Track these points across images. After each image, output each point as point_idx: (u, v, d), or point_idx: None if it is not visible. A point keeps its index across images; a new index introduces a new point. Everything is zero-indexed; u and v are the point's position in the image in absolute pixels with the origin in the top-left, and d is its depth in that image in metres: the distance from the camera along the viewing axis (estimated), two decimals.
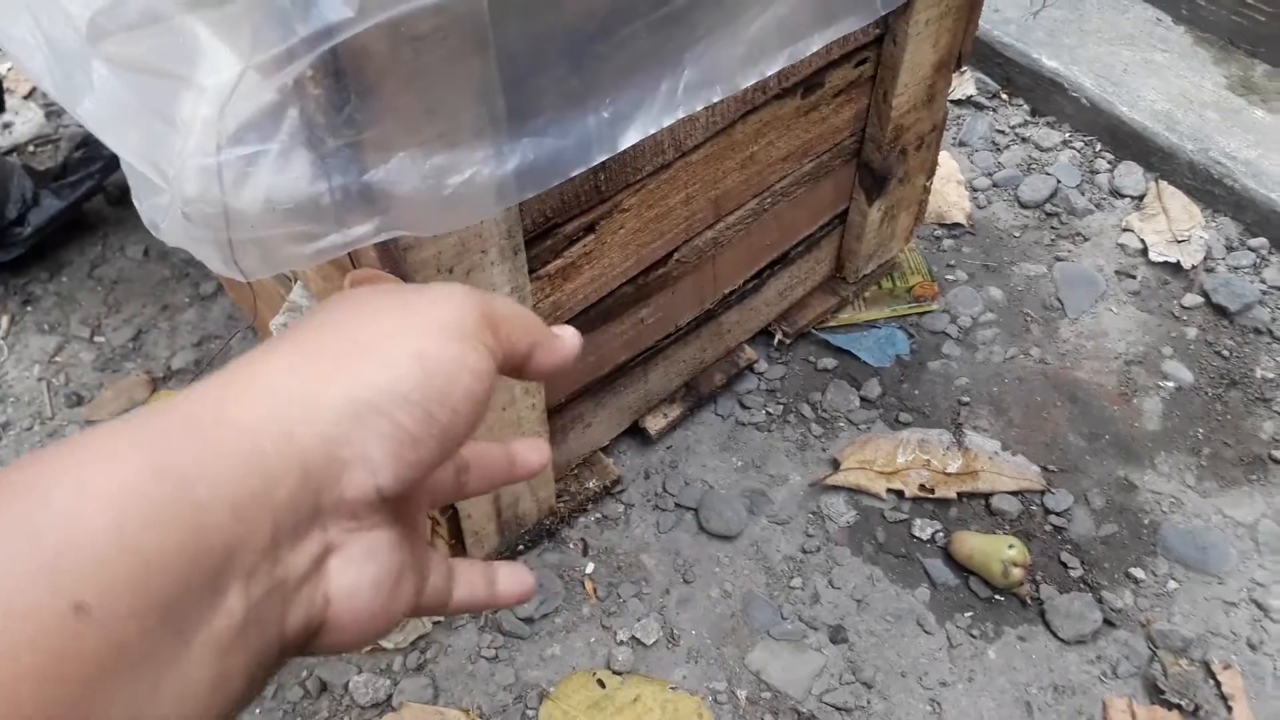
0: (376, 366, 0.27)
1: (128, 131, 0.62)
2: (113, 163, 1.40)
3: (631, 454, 1.15)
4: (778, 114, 0.99)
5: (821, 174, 1.12)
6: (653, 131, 0.74)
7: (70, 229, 1.40)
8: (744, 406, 1.19)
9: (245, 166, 0.58)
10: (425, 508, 0.34)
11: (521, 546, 1.07)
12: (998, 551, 1.01)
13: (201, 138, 0.56)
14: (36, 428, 1.20)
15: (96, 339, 1.30)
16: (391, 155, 0.60)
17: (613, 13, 0.67)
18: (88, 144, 1.42)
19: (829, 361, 1.22)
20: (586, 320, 0.97)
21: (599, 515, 1.10)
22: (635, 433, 1.15)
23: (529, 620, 1.02)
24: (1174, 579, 1.03)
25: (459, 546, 1.01)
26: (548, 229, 0.85)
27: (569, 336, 0.34)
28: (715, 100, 0.77)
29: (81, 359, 1.28)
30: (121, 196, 1.45)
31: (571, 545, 1.08)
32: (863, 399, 1.19)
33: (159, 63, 0.57)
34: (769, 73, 0.79)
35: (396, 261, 0.72)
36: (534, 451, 0.38)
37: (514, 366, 0.32)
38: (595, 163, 0.73)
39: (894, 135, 1.11)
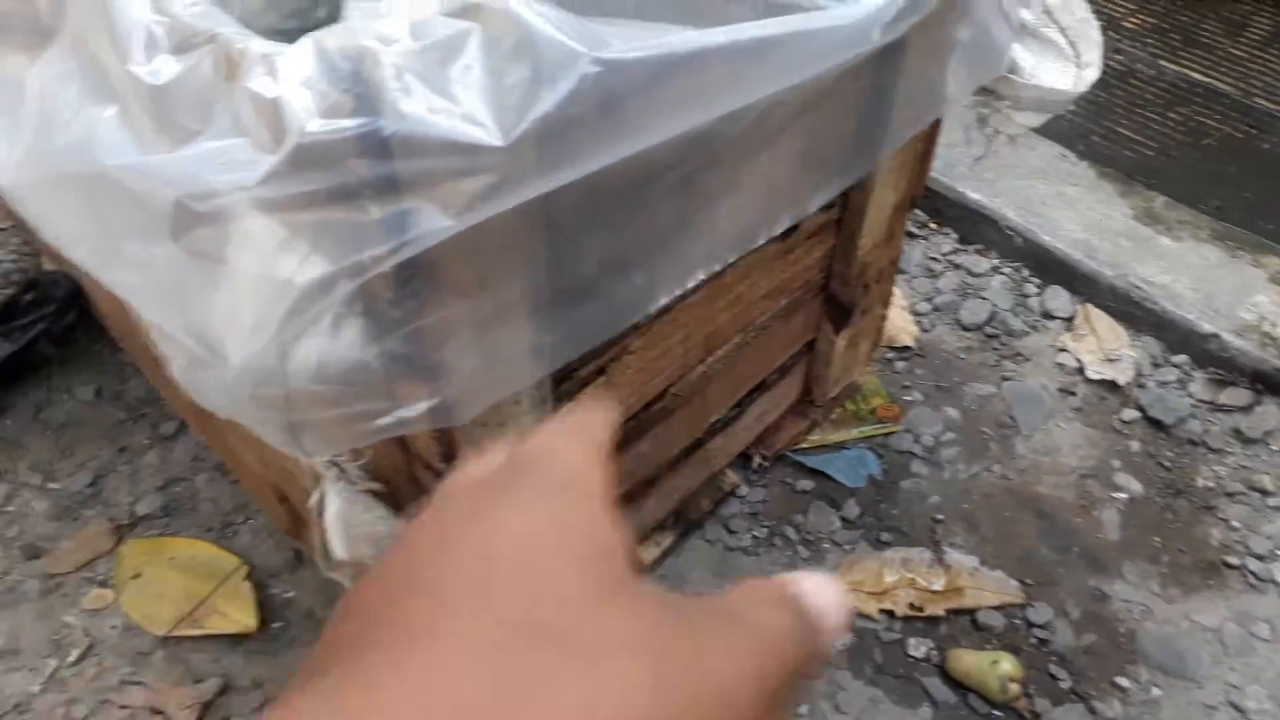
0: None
1: (174, 306, 0.62)
2: (65, 306, 1.36)
3: None
4: (761, 257, 1.05)
5: (794, 308, 1.17)
6: (677, 293, 0.79)
7: (9, 372, 1.34)
8: (730, 531, 1.21)
9: (299, 333, 0.58)
10: None
11: None
12: (993, 668, 1.04)
13: (267, 325, 0.57)
14: None
15: (49, 485, 1.24)
16: (450, 333, 0.62)
17: (644, 185, 0.72)
18: (38, 285, 1.37)
19: (806, 483, 1.26)
20: None
21: None
22: None
23: None
24: (1156, 685, 1.08)
25: None
26: (567, 374, 0.87)
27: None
28: (730, 261, 0.82)
29: (34, 508, 1.21)
30: (64, 336, 1.40)
31: None
32: (843, 520, 1.22)
33: (233, 255, 0.57)
34: (776, 232, 0.84)
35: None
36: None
37: None
38: (628, 325, 0.76)
39: (859, 271, 1.18)
